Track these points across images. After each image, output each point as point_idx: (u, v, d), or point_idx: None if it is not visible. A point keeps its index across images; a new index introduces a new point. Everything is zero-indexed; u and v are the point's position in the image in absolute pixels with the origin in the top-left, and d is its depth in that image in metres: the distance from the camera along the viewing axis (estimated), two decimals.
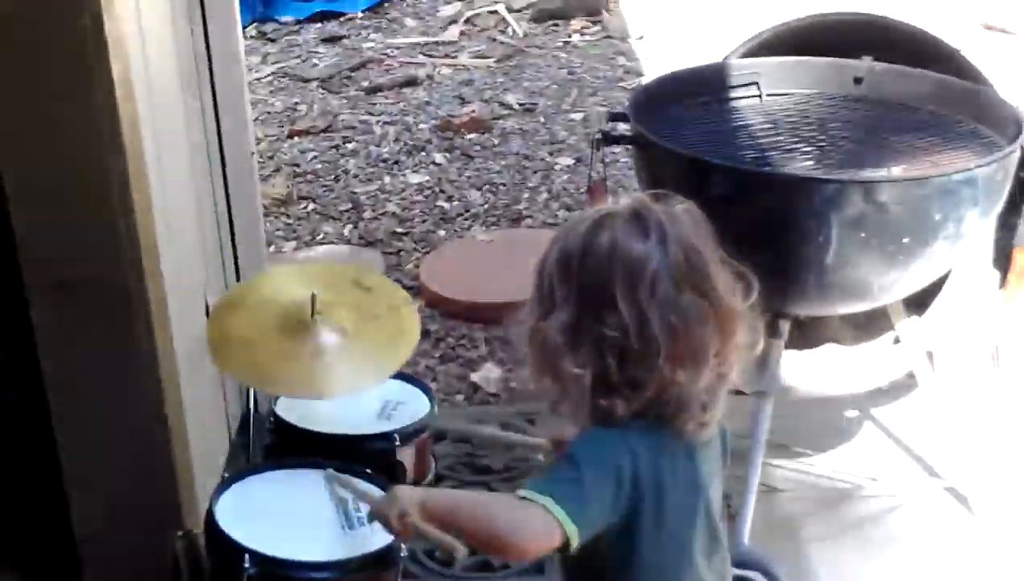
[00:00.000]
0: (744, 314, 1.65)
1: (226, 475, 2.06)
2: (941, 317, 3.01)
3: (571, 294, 1.61)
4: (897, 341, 3.00)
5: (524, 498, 1.59)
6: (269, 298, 2.27)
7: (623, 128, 2.87)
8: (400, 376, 2.59)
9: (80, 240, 2.41)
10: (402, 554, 1.93)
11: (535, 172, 5.27)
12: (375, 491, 1.94)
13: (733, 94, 3.13)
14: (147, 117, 2.52)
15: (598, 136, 2.81)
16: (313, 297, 2.12)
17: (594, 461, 1.60)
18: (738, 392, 3.12)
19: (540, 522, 1.56)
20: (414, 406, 2.46)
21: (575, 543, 1.57)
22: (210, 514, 1.93)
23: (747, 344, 1.65)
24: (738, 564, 2.64)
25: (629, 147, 3.07)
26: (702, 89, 3.11)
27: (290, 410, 2.36)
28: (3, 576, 2.86)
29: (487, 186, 5.15)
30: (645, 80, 5.91)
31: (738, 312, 1.63)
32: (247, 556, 1.83)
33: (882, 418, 3.46)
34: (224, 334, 2.21)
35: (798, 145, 2.93)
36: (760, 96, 3.14)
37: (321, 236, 4.80)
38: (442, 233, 4.78)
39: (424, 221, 4.88)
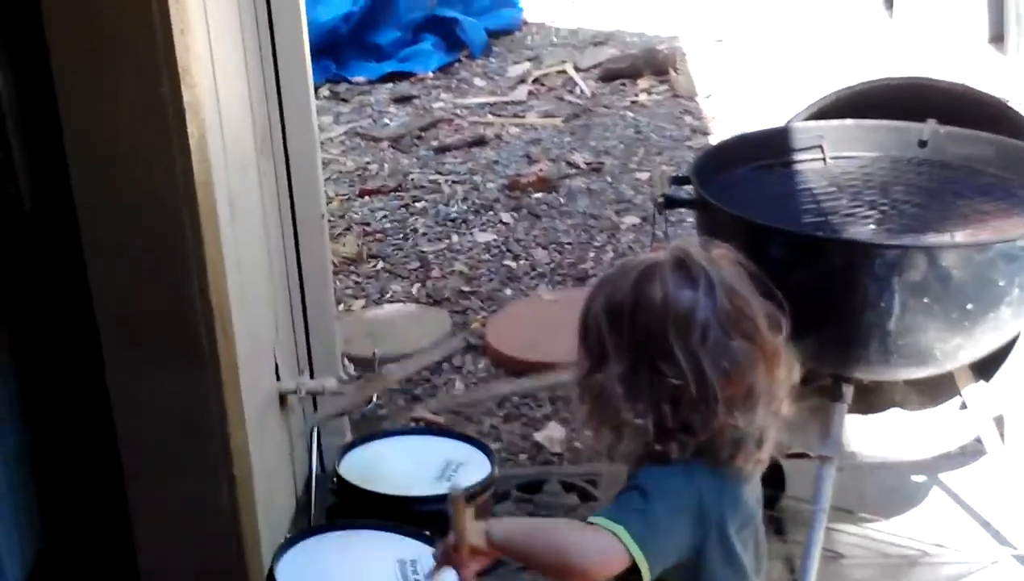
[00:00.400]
0: (783, 350, 1.70)
1: (288, 536, 2.09)
2: (1009, 382, 2.97)
3: (623, 345, 1.66)
4: (964, 406, 2.97)
5: (595, 524, 1.63)
6: None
7: (687, 190, 2.89)
8: (462, 437, 2.62)
9: (154, 298, 2.48)
10: None
11: (601, 231, 5.30)
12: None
13: (797, 157, 3.14)
14: (221, 178, 2.60)
15: (660, 200, 2.83)
16: None
17: (664, 495, 1.65)
18: (801, 455, 3.17)
19: (610, 548, 1.61)
20: (475, 466, 2.48)
21: (648, 578, 1.61)
22: (271, 575, 1.97)
23: (788, 377, 1.72)
24: None
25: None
26: (766, 152, 3.13)
27: (352, 471, 2.40)
28: None
29: (553, 245, 5.20)
30: (711, 139, 5.95)
31: (780, 350, 1.69)
32: None
33: (950, 484, 3.41)
34: None
35: (860, 209, 2.94)
36: (824, 159, 3.15)
37: (389, 294, 4.87)
38: (508, 292, 4.82)
39: (491, 280, 4.93)
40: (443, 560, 1.75)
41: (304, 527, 2.20)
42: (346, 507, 2.31)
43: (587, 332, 1.70)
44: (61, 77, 2.33)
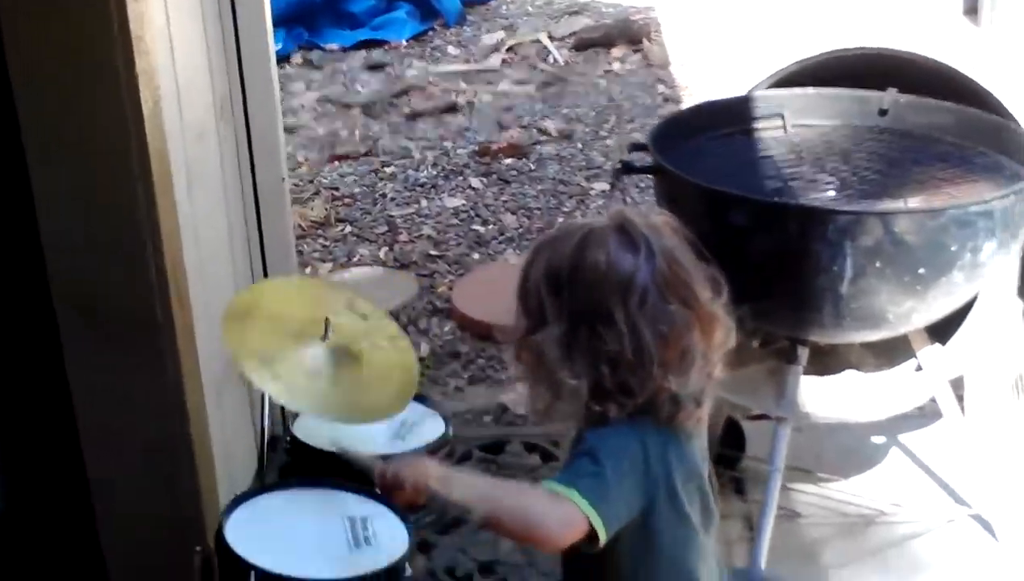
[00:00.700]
0: (721, 315, 1.72)
1: (236, 495, 2.11)
2: (964, 346, 3.00)
3: (562, 307, 1.68)
4: (919, 369, 3.00)
5: (553, 491, 1.66)
6: (277, 312, 2.32)
7: (645, 158, 2.90)
8: (417, 398, 2.63)
9: (108, 268, 2.48)
10: (407, 573, 1.96)
11: (570, 197, 5.31)
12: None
13: (758, 126, 3.16)
14: (178, 146, 2.60)
15: (618, 166, 2.84)
16: (327, 321, 2.18)
17: (613, 456, 1.67)
18: (761, 417, 3.20)
19: (571, 517, 1.64)
20: (429, 427, 2.50)
21: (603, 538, 1.65)
22: (219, 531, 1.99)
23: (724, 342, 1.74)
24: None
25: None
26: (726, 121, 3.14)
27: (306, 430, 2.41)
28: None
29: (522, 210, 5.21)
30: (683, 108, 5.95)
31: (717, 315, 1.72)
32: (252, 573, 1.87)
33: (909, 445, 3.46)
34: (245, 345, 2.25)
35: (821, 176, 2.96)
36: (785, 128, 3.16)
37: (357, 258, 4.88)
38: (476, 256, 4.83)
39: (459, 244, 4.94)
40: (383, 487, 1.79)
41: (256, 486, 2.21)
42: (299, 466, 2.32)
43: (526, 293, 1.72)
44: (12, 47, 2.32)
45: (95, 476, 2.69)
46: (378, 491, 1.82)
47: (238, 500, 2.11)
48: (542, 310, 1.69)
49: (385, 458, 2.29)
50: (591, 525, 1.64)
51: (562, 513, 1.64)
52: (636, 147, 2.98)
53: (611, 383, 1.67)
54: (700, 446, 1.80)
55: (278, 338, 2.24)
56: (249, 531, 2.01)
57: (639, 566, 1.76)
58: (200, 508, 2.70)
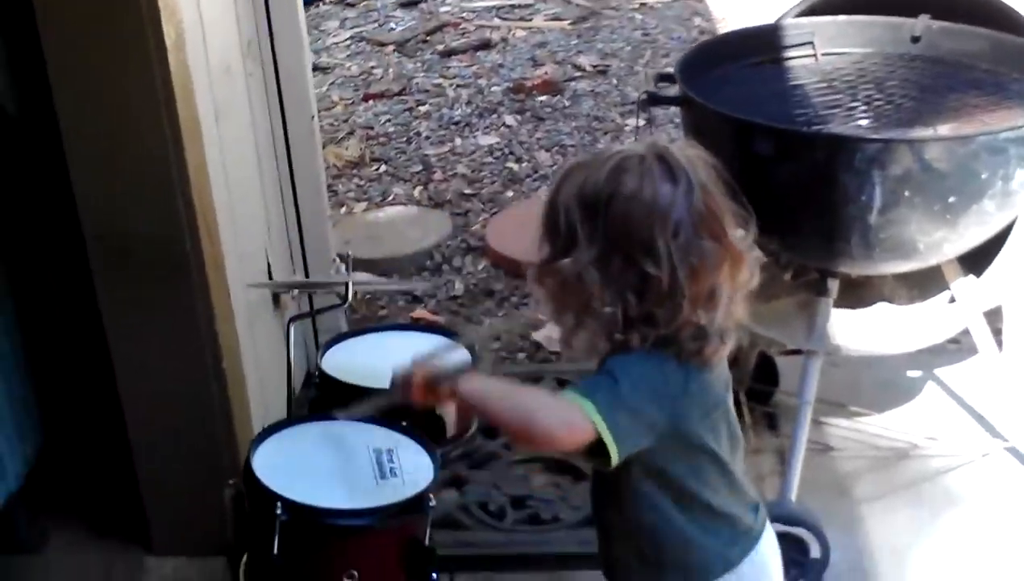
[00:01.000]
0: (748, 253, 1.71)
1: (264, 427, 2.13)
2: (999, 277, 2.97)
3: (596, 232, 1.65)
4: (952, 301, 2.97)
5: (564, 397, 1.67)
6: None
7: (671, 89, 2.87)
8: (447, 333, 2.64)
9: (137, 201, 2.51)
10: (431, 504, 1.98)
11: (605, 133, 5.28)
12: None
13: (787, 54, 3.11)
14: (203, 81, 2.61)
15: (643, 97, 2.81)
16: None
17: (633, 379, 1.66)
18: (793, 352, 3.19)
19: (577, 421, 1.63)
20: (458, 362, 2.50)
21: (615, 454, 1.64)
22: (247, 463, 2.01)
23: (748, 281, 1.73)
24: (785, 521, 2.68)
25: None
26: (755, 49, 3.09)
27: (334, 365, 2.43)
28: (72, 521, 3.00)
29: (556, 147, 5.18)
30: None
31: (745, 253, 1.70)
32: (279, 503, 1.90)
33: (944, 379, 3.43)
34: None
35: (852, 104, 2.91)
36: (815, 56, 3.11)
37: (391, 197, 4.88)
38: (510, 194, 4.82)
39: (493, 182, 4.93)
40: (397, 390, 1.82)
41: (283, 419, 2.24)
42: (328, 400, 2.34)
43: (555, 217, 1.69)
44: None
45: (130, 411, 2.73)
46: (395, 395, 1.84)
47: (266, 432, 2.13)
48: (572, 234, 1.66)
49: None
50: (599, 437, 1.63)
51: (568, 415, 1.64)
52: (663, 78, 2.94)
53: (636, 312, 1.66)
54: (721, 374, 1.80)
55: None
56: (276, 463, 2.03)
57: (656, 495, 1.76)
58: (234, 442, 2.74)
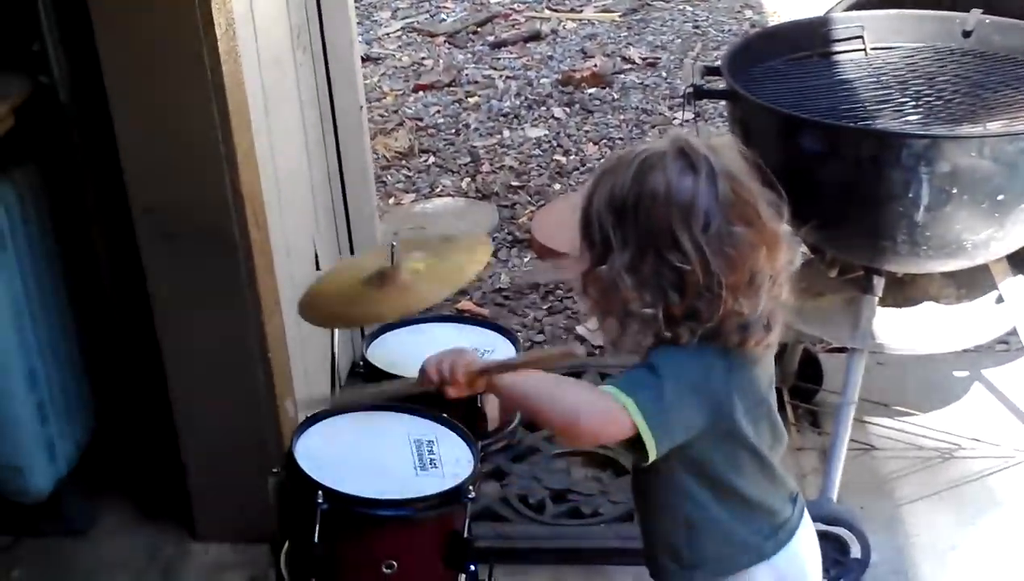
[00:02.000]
0: (785, 235, 1.71)
1: (308, 416, 2.15)
2: None
3: (629, 237, 1.66)
4: (1000, 300, 2.94)
5: (604, 391, 1.67)
6: (351, 268, 2.37)
7: (718, 82, 2.86)
8: (492, 326, 2.66)
9: (186, 189, 2.54)
10: (470, 496, 2.00)
11: (653, 126, 5.27)
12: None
13: (836, 48, 3.08)
14: (253, 70, 2.64)
15: (690, 90, 2.80)
16: (392, 246, 2.20)
17: (675, 374, 1.67)
18: (840, 350, 3.17)
19: (618, 418, 1.64)
20: (501, 355, 2.51)
21: (653, 451, 1.66)
22: (290, 452, 2.03)
23: (789, 261, 1.72)
24: (825, 520, 2.67)
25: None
26: (804, 43, 3.07)
27: (380, 356, 2.45)
28: (119, 505, 3.05)
29: (604, 140, 5.18)
30: None
31: (781, 235, 1.70)
32: (320, 492, 1.92)
33: (991, 379, 3.40)
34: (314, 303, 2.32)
35: (901, 100, 2.88)
36: (865, 50, 3.08)
37: (439, 189, 4.90)
38: (557, 187, 4.82)
39: (540, 175, 4.93)
40: (426, 379, 1.83)
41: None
42: None
43: (589, 225, 1.71)
44: None
45: (176, 398, 2.77)
46: (429, 386, 1.83)
47: (309, 421, 2.15)
48: (607, 240, 1.67)
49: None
50: (638, 433, 1.65)
51: (607, 409, 1.65)
52: (710, 71, 2.93)
53: (680, 309, 1.66)
54: (766, 370, 1.80)
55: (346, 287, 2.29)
56: (318, 452, 2.06)
57: (694, 487, 1.77)
58: (278, 431, 2.77)
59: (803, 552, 1.90)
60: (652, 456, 1.67)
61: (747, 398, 1.74)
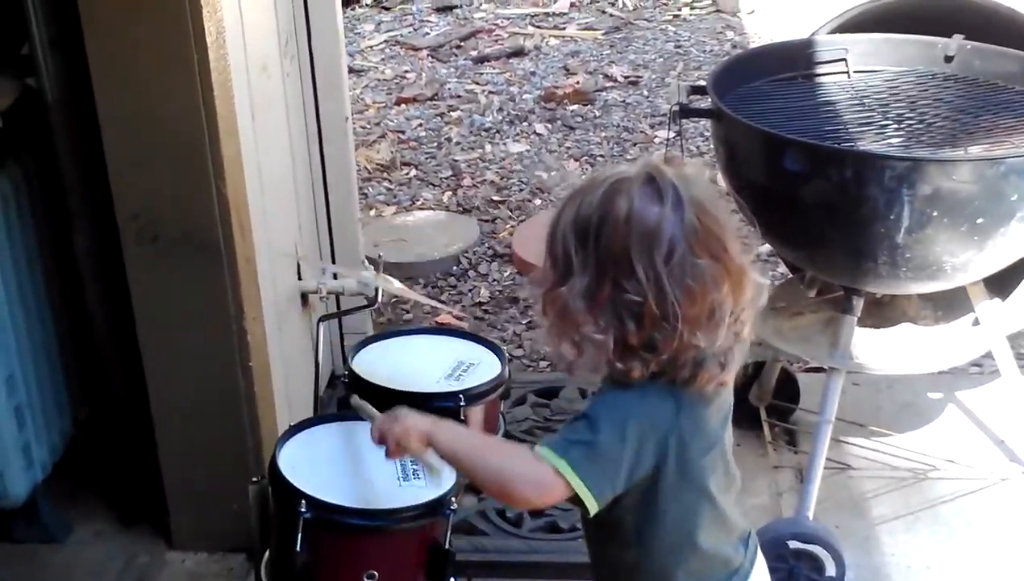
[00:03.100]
0: (751, 271, 1.66)
1: (292, 424, 2.15)
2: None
3: (589, 260, 1.62)
4: (976, 323, 2.98)
5: (539, 456, 1.63)
6: None
7: (703, 101, 2.89)
8: (477, 339, 2.66)
9: (171, 189, 2.55)
10: (452, 508, 2.00)
11: (634, 144, 5.30)
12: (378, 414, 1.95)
13: (820, 70, 3.12)
14: (241, 78, 2.64)
15: (675, 108, 2.82)
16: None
17: (612, 424, 1.63)
18: (817, 370, 3.19)
19: (551, 482, 1.62)
20: (486, 368, 2.52)
21: (593, 507, 1.63)
22: (273, 460, 2.03)
23: (754, 298, 1.67)
24: (801, 538, 2.69)
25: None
26: (788, 64, 3.10)
27: (365, 366, 2.45)
28: (95, 512, 3.03)
29: (586, 157, 5.21)
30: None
31: (748, 271, 1.65)
32: (303, 501, 1.92)
33: (965, 402, 3.43)
34: None
35: (882, 122, 2.92)
36: (848, 73, 3.12)
37: (420, 202, 4.91)
38: (538, 202, 4.85)
39: (521, 190, 4.95)
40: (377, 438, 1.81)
41: (309, 418, 2.26)
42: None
43: (554, 244, 1.66)
44: None
45: (156, 405, 2.77)
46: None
47: (293, 430, 2.15)
48: (569, 261, 1.63)
49: (439, 396, 2.36)
50: (576, 493, 1.62)
51: (541, 476, 1.62)
52: (695, 90, 2.96)
53: (636, 339, 1.61)
54: (720, 409, 1.74)
55: None
56: (301, 461, 2.05)
57: (643, 529, 1.73)
58: (258, 440, 2.77)
59: None
60: (593, 511, 1.64)
61: (698, 439, 1.69)
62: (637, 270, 1.59)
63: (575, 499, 1.64)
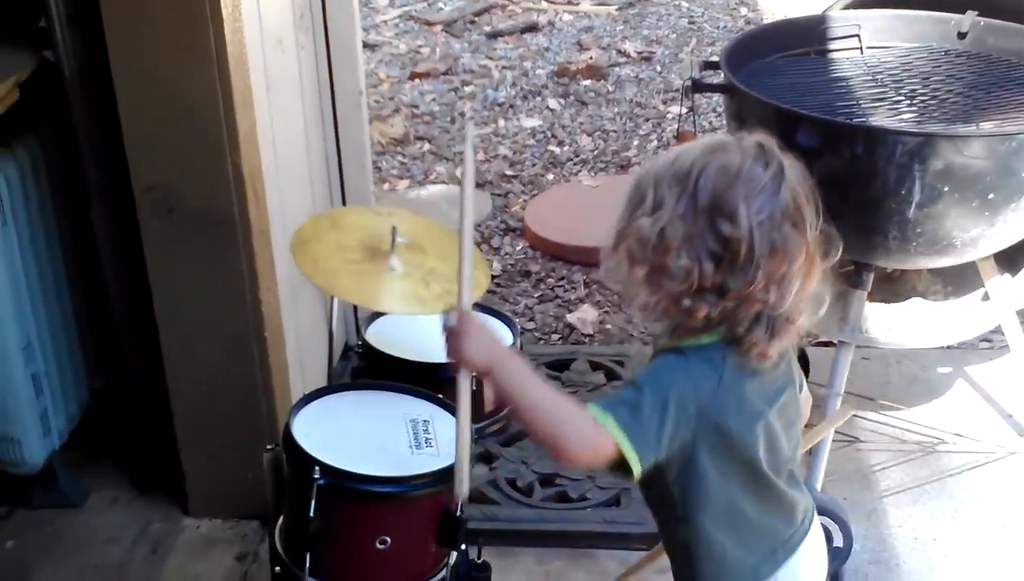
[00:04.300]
0: (823, 271, 1.72)
1: (306, 393, 2.18)
2: None
3: (684, 199, 1.67)
4: (986, 298, 2.99)
5: (590, 414, 1.67)
6: (359, 225, 2.37)
7: (716, 77, 2.90)
8: (490, 311, 2.68)
9: (187, 167, 2.56)
10: None
11: (647, 120, 5.30)
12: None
13: (833, 46, 3.13)
14: (257, 51, 2.66)
15: (688, 83, 2.84)
16: (393, 229, 2.23)
17: (656, 390, 1.68)
18: (828, 343, 3.21)
19: (600, 442, 1.66)
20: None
21: (636, 469, 1.67)
22: (288, 428, 2.06)
23: (816, 299, 1.73)
24: None
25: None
26: (801, 40, 3.11)
27: (378, 337, 2.48)
28: (111, 479, 3.07)
29: (598, 132, 5.21)
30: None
31: (819, 267, 1.71)
32: (317, 468, 1.95)
33: (974, 376, 3.45)
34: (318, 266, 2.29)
35: (896, 99, 2.92)
36: (860, 49, 3.13)
37: (434, 176, 4.93)
38: (550, 177, 4.86)
39: (534, 165, 4.96)
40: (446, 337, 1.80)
41: (324, 386, 2.29)
42: (370, 371, 2.40)
43: (641, 188, 1.71)
44: None
45: (171, 373, 2.80)
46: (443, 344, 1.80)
47: (307, 398, 2.18)
48: (660, 199, 1.68)
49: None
50: (622, 454, 1.66)
51: (590, 436, 1.66)
52: (708, 65, 2.97)
53: (710, 282, 1.66)
54: (766, 385, 1.77)
55: (347, 242, 2.30)
56: (315, 429, 2.08)
57: (688, 501, 1.77)
58: (272, 409, 2.80)
59: (802, 569, 1.89)
60: (637, 471, 1.67)
61: (740, 412, 1.73)
62: (732, 213, 1.64)
63: (620, 465, 1.67)
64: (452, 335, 1.77)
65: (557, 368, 3.48)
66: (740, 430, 1.74)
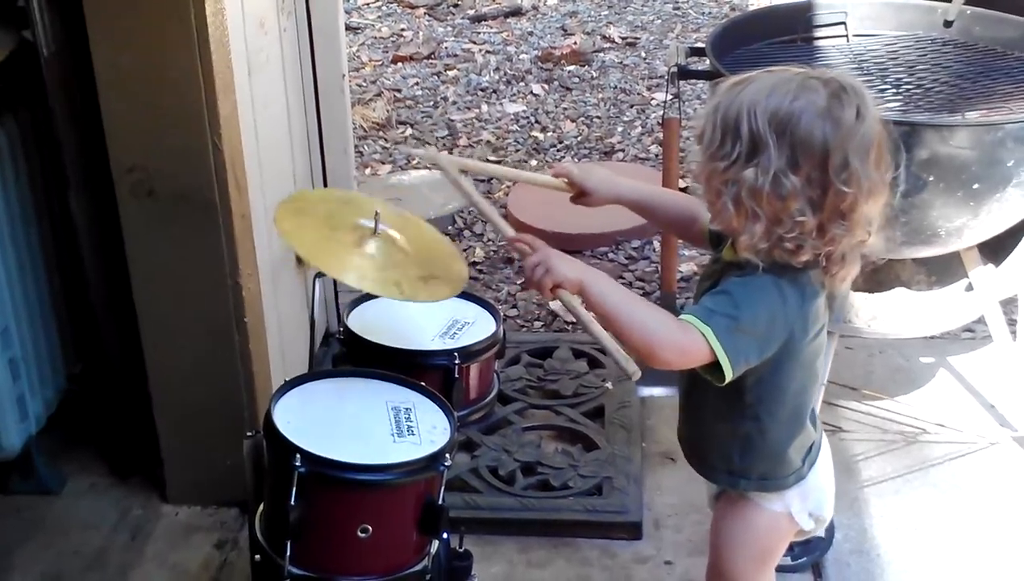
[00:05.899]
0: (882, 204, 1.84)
1: (287, 380, 2.16)
2: (1018, 267, 2.98)
3: (785, 148, 1.74)
4: (970, 288, 2.99)
5: (686, 322, 1.79)
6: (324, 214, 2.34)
7: (701, 63, 2.88)
8: (473, 298, 2.66)
9: (167, 143, 2.54)
10: (446, 464, 2.01)
11: (631, 106, 5.28)
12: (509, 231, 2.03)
13: (819, 34, 3.12)
14: (238, 33, 2.63)
15: (674, 70, 2.82)
16: (376, 213, 2.20)
17: (751, 302, 1.80)
18: None
19: (695, 347, 1.78)
20: (481, 327, 2.53)
21: (729, 375, 1.80)
22: (268, 415, 2.04)
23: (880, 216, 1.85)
24: None
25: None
26: (788, 27, 3.10)
27: (360, 324, 2.46)
28: (90, 465, 3.05)
29: (582, 118, 5.19)
30: None
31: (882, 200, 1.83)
32: (298, 455, 1.93)
33: (957, 367, 3.45)
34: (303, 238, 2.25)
35: (882, 87, 2.92)
36: (847, 36, 3.12)
37: (416, 161, 4.90)
38: (534, 163, 4.84)
39: (517, 150, 4.94)
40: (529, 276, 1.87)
41: (304, 373, 2.26)
42: (352, 358, 2.37)
43: (735, 122, 1.76)
44: None
45: (151, 359, 2.77)
46: (514, 253, 1.90)
47: (288, 385, 2.16)
48: (756, 142, 1.74)
49: (434, 354, 2.36)
50: (716, 360, 1.77)
51: (688, 342, 1.77)
52: (694, 52, 2.95)
53: (807, 226, 1.76)
54: (824, 300, 1.93)
55: (333, 218, 2.27)
56: (296, 416, 2.06)
57: (765, 401, 1.92)
58: (252, 396, 2.78)
59: (823, 468, 2.08)
60: (728, 378, 1.80)
61: (815, 325, 1.88)
62: (839, 164, 1.73)
63: (708, 367, 1.80)
64: (537, 265, 1.84)
65: (539, 356, 3.47)
66: (813, 340, 1.89)
